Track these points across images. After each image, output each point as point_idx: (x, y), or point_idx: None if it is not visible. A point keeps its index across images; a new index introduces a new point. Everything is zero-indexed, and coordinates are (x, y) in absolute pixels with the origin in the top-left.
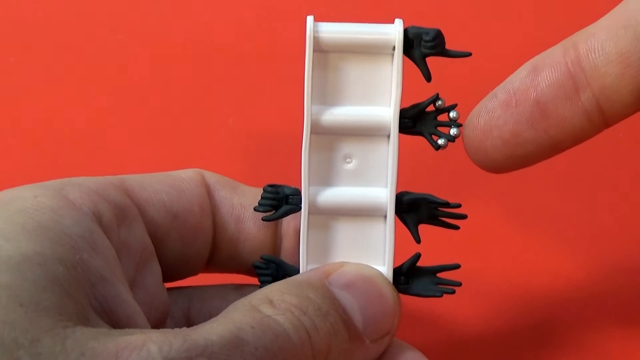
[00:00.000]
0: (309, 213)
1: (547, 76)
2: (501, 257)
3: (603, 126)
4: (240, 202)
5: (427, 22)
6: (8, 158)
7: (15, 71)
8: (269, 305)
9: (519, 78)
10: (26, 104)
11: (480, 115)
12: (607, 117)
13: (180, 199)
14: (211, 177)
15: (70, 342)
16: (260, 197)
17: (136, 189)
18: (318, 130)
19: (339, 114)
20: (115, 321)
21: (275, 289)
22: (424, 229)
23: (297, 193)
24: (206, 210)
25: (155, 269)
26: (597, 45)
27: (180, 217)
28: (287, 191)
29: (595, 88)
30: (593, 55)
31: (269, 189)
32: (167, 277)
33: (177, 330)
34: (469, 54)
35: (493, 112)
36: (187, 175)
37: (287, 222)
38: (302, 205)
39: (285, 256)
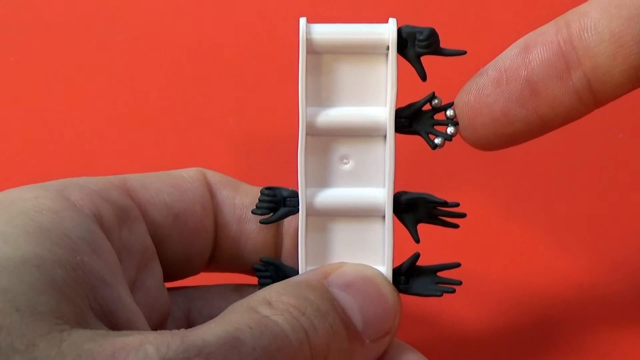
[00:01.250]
0: (306, 215)
1: (538, 54)
2: (501, 256)
3: (593, 106)
4: (242, 201)
5: (421, 21)
6: (9, 158)
7: (15, 71)
8: (267, 306)
9: (510, 56)
10: (26, 104)
11: (470, 92)
12: (598, 97)
13: (182, 198)
14: (213, 176)
15: (66, 345)
16: (257, 200)
17: (138, 189)
18: (314, 132)
19: (334, 115)
20: (115, 324)
21: (274, 290)
22: (423, 228)
23: (295, 195)
24: (208, 210)
25: (157, 270)
26: (589, 24)
27: (182, 218)
28: (285, 193)
29: (587, 68)
30: (585, 35)
31: (266, 191)
32: (167, 277)
33: (174, 331)
34: (464, 52)
35: (483, 89)
36: (189, 175)
37: (289, 222)
38: (300, 208)
39: (286, 256)
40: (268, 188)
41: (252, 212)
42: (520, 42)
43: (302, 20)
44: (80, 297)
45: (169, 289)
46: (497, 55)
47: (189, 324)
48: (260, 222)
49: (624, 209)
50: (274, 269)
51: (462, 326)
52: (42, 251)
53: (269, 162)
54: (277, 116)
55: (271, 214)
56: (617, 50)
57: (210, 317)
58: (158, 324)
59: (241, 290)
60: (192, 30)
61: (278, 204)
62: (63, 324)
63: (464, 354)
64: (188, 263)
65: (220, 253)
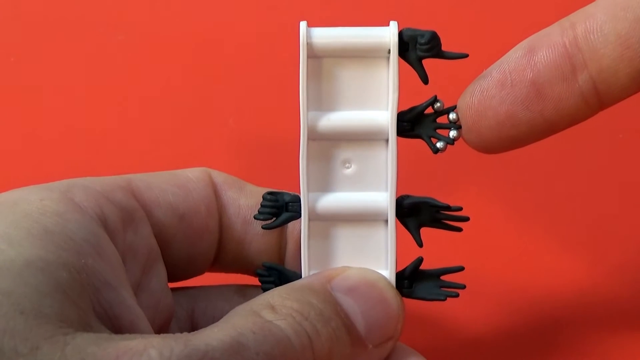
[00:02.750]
0: (309, 220)
1: (544, 56)
2: (502, 258)
3: (598, 109)
4: (247, 202)
5: (423, 24)
6: (11, 158)
7: (15, 71)
8: (270, 311)
9: (514, 57)
10: (26, 104)
11: (474, 95)
12: (603, 100)
13: (187, 199)
14: (218, 176)
15: (70, 349)
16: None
17: (142, 189)
18: (315, 136)
19: (336, 119)
20: (119, 327)
21: (277, 294)
22: (425, 232)
23: (297, 200)
24: (213, 211)
25: (161, 272)
26: (595, 26)
27: (187, 218)
28: (287, 198)
29: (593, 70)
30: (592, 37)
31: (268, 196)
32: (171, 277)
33: (178, 335)
34: (466, 55)
35: (488, 91)
36: (194, 175)
37: (293, 224)
38: (302, 213)
39: (290, 257)
40: (270, 193)
41: (255, 217)
42: (525, 43)
43: (303, 25)
44: (84, 300)
45: (173, 289)
46: (499, 58)
47: (193, 324)
48: (263, 228)
49: (624, 210)
50: (277, 274)
51: (464, 328)
52: (46, 254)
53: (269, 163)
54: (278, 116)
55: (273, 219)
56: (624, 52)
57: (214, 318)
58: (162, 325)
59: (245, 291)
60: (193, 31)
61: (280, 209)
62: (67, 327)
63: (465, 354)
64: (192, 264)
65: (224, 254)
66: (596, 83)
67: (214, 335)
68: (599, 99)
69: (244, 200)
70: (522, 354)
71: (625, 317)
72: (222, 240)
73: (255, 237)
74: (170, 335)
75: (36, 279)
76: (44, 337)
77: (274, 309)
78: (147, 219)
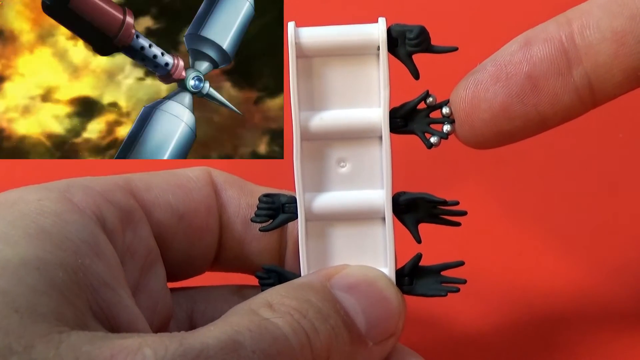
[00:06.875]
0: (306, 220)
1: (540, 50)
2: (501, 257)
3: (591, 105)
4: (247, 202)
5: (411, 19)
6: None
7: None
8: (268, 309)
9: (510, 51)
10: None
11: (468, 88)
12: (597, 96)
13: (186, 199)
14: (219, 175)
15: (65, 347)
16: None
17: (142, 189)
18: (309, 136)
19: (328, 118)
20: (116, 327)
21: (276, 293)
22: (423, 229)
23: (294, 201)
24: (213, 211)
25: (160, 273)
26: (592, 22)
27: (186, 219)
28: (283, 200)
29: (588, 65)
30: (587, 32)
31: (264, 199)
32: (171, 277)
33: (174, 334)
34: (455, 49)
35: (482, 84)
36: (194, 174)
37: (292, 224)
38: (299, 214)
39: (290, 256)
40: (266, 195)
41: (251, 220)
42: (521, 38)
43: (291, 25)
44: (81, 299)
45: (172, 290)
46: (489, 51)
47: (192, 325)
48: (260, 230)
49: (624, 209)
50: (277, 276)
51: (463, 328)
52: (43, 253)
53: (269, 162)
54: None
55: (271, 221)
56: (619, 48)
57: (213, 318)
58: (160, 326)
59: (245, 291)
60: None
61: (277, 210)
62: (62, 326)
63: (465, 354)
64: (192, 263)
65: (224, 253)
66: (591, 79)
67: (210, 333)
68: (592, 96)
69: (245, 199)
70: (521, 354)
71: (624, 318)
72: (222, 239)
73: (256, 236)
74: (166, 334)
75: (32, 278)
76: (38, 335)
77: (272, 307)
78: (146, 219)
